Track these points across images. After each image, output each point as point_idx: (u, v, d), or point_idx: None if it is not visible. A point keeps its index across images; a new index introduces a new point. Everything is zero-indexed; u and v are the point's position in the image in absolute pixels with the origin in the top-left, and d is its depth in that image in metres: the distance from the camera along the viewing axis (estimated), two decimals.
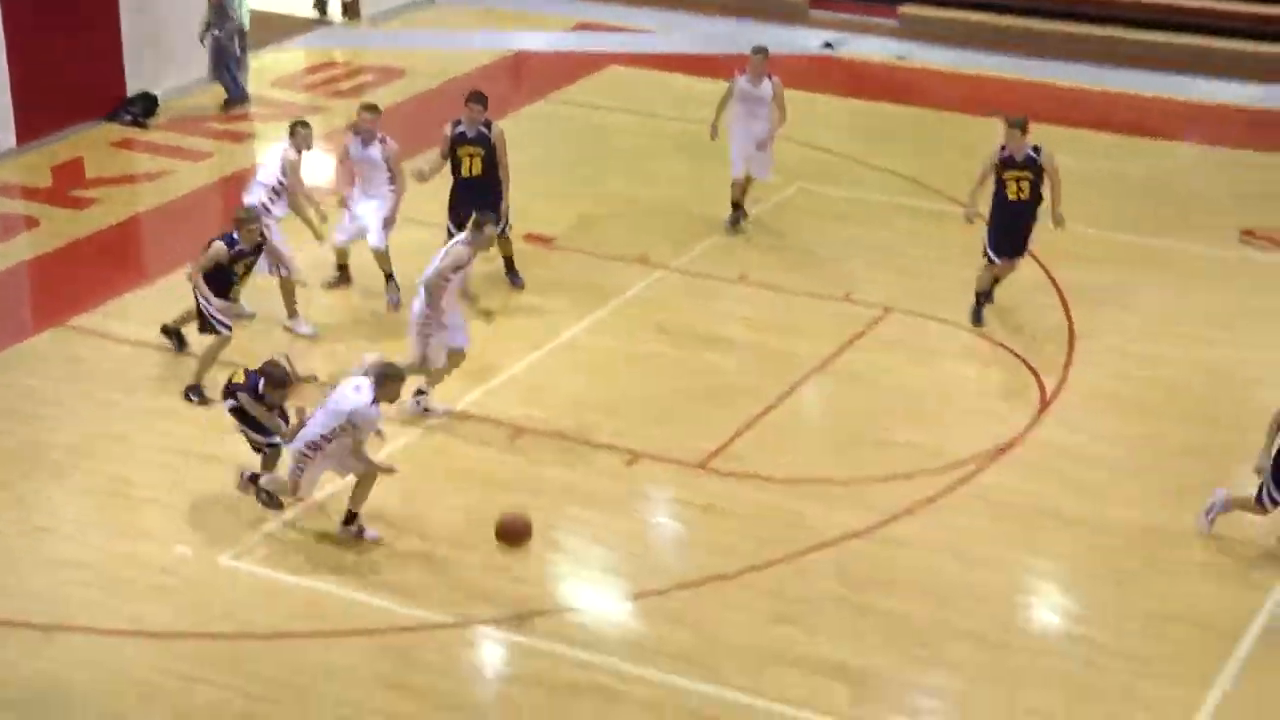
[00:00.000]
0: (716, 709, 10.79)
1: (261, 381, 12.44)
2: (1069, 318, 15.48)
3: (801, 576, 12.07)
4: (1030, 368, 14.85)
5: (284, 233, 15.19)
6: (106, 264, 16.97)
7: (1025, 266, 15.89)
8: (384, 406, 12.10)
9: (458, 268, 13.74)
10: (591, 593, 12.06)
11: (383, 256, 15.71)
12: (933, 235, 17.42)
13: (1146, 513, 12.82)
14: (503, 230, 15.79)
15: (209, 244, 14.20)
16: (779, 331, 15.48)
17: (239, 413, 12.60)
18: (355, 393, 11.86)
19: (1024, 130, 14.94)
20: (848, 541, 12.43)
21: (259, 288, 14.81)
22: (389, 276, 15.75)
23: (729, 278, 16.44)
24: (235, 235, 14.19)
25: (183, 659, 11.18)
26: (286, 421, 12.55)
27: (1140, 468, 13.46)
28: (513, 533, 11.80)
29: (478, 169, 15.59)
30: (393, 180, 15.64)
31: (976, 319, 15.47)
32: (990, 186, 15.24)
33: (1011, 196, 15.06)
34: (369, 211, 15.65)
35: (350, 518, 12.27)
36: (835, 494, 13.03)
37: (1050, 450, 13.63)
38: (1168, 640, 11.45)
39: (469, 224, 13.98)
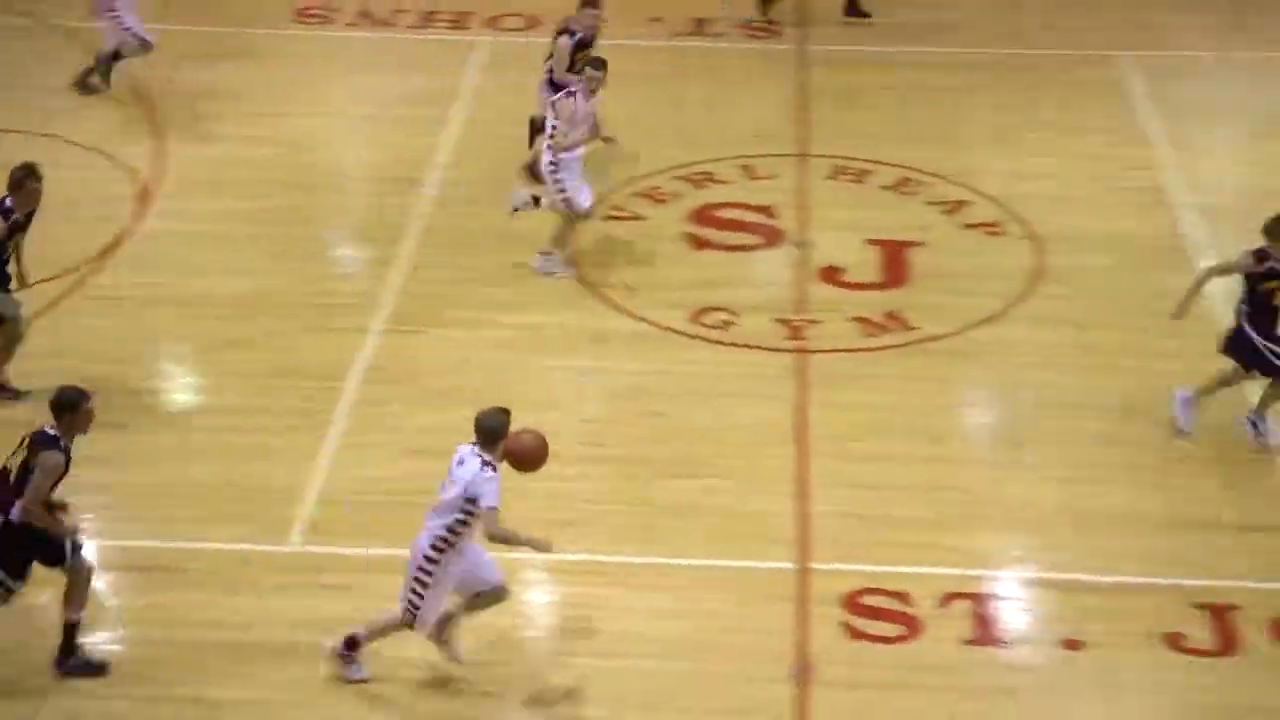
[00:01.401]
0: None
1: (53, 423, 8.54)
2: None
3: None
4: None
5: None
6: None
7: None
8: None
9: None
10: None
11: None
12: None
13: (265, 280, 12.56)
14: None
15: None
16: None
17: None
18: (460, 467, 8.54)
19: None
20: None
21: None
22: None
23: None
24: (9, 201, 10.47)
25: None
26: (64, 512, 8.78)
27: (240, 239, 13.12)
28: (530, 456, 8.68)
29: None
30: None
31: None
32: None
33: None
34: None
35: (351, 643, 8.88)
36: None
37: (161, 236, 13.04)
38: (286, 394, 11.34)
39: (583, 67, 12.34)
